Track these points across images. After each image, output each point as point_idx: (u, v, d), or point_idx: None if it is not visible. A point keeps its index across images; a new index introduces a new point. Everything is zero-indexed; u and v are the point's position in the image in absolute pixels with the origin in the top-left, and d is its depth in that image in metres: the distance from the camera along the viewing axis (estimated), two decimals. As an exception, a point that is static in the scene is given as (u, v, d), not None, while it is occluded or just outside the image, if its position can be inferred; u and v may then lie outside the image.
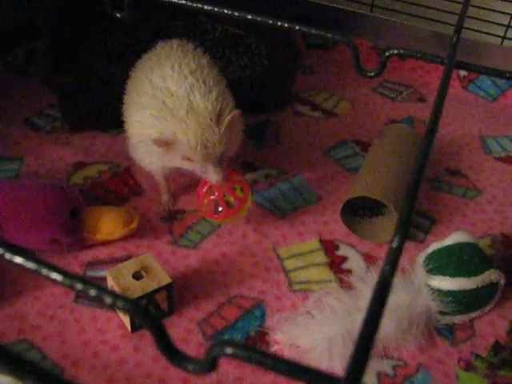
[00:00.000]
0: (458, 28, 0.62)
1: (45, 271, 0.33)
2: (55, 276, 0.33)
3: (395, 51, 0.59)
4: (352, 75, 1.51)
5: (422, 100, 1.46)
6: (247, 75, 1.38)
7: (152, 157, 0.96)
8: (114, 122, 1.18)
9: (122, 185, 1.12)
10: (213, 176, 0.92)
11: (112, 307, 0.32)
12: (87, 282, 0.32)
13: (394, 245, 0.35)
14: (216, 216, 1.00)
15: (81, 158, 1.18)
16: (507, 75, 0.55)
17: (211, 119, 0.90)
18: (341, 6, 1.57)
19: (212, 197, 0.99)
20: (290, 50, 1.34)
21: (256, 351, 0.29)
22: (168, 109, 0.90)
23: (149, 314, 0.31)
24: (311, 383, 0.28)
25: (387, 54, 0.58)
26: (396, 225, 0.36)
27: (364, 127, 1.35)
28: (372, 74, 0.60)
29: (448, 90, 0.52)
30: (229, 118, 0.91)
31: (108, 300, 0.32)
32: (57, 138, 1.22)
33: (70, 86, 1.20)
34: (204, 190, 1.00)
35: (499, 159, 1.31)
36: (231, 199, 0.99)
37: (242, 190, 1.00)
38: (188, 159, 0.92)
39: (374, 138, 1.23)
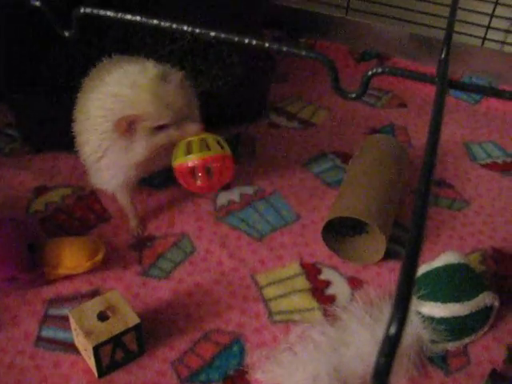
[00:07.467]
0: (447, 40, 0.55)
1: None
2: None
3: (379, 70, 0.52)
4: (329, 81, 1.44)
5: (403, 105, 1.40)
6: (219, 86, 1.31)
7: (121, 162, 0.91)
8: (77, 140, 1.11)
9: (87, 210, 1.05)
10: (193, 126, 0.88)
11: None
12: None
13: (392, 331, 0.28)
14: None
15: (42, 182, 1.10)
16: (507, 95, 0.48)
17: (157, 82, 0.87)
18: (315, 10, 1.51)
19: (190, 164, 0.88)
20: (264, 58, 1.27)
21: None
22: (112, 97, 0.88)
23: None
24: None
25: (370, 73, 0.51)
26: (397, 296, 0.29)
27: (344, 137, 1.28)
28: (353, 95, 0.53)
29: (442, 114, 0.45)
30: (178, 76, 0.89)
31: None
32: (16, 161, 1.14)
33: (29, 103, 1.12)
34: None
35: (485, 166, 1.25)
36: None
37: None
38: (160, 128, 0.87)
39: (355, 149, 1.17)
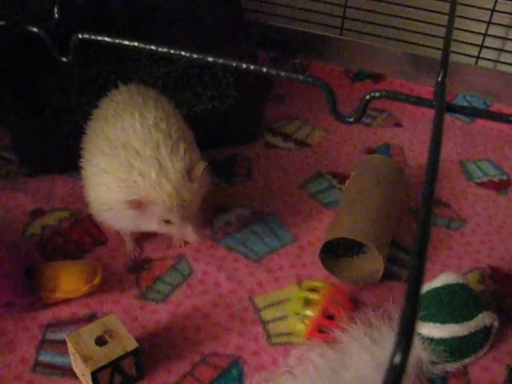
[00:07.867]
0: (444, 63, 0.55)
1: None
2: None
3: (377, 94, 0.52)
4: (324, 102, 1.44)
5: (398, 125, 1.40)
6: (215, 107, 1.31)
7: (123, 221, 0.89)
8: (75, 163, 1.11)
9: (83, 233, 1.04)
10: (193, 237, 0.88)
11: None
12: None
13: (396, 361, 0.28)
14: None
15: (39, 205, 1.10)
16: (504, 118, 0.48)
17: (183, 178, 0.85)
18: (309, 30, 1.51)
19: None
20: (259, 78, 1.28)
21: None
22: (136, 170, 0.84)
23: None
24: None
25: (368, 97, 0.52)
26: (399, 329, 0.29)
27: (340, 157, 1.28)
28: (351, 119, 0.53)
29: (441, 137, 0.45)
30: (200, 173, 0.87)
31: None
32: (12, 183, 1.14)
33: (26, 125, 1.12)
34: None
35: (481, 185, 1.25)
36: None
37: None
38: (165, 221, 0.86)
39: (351, 169, 1.17)
